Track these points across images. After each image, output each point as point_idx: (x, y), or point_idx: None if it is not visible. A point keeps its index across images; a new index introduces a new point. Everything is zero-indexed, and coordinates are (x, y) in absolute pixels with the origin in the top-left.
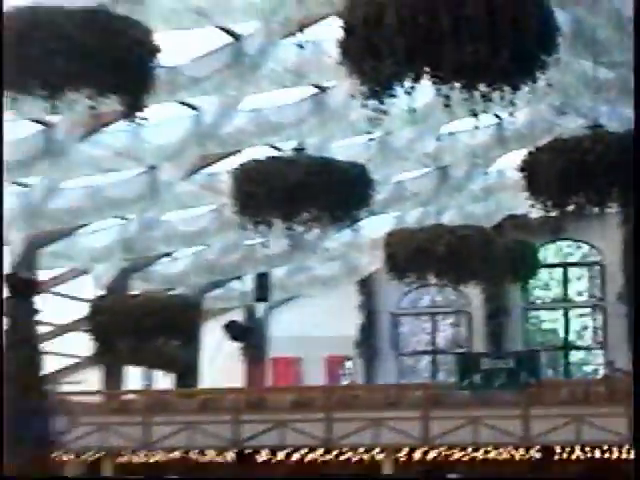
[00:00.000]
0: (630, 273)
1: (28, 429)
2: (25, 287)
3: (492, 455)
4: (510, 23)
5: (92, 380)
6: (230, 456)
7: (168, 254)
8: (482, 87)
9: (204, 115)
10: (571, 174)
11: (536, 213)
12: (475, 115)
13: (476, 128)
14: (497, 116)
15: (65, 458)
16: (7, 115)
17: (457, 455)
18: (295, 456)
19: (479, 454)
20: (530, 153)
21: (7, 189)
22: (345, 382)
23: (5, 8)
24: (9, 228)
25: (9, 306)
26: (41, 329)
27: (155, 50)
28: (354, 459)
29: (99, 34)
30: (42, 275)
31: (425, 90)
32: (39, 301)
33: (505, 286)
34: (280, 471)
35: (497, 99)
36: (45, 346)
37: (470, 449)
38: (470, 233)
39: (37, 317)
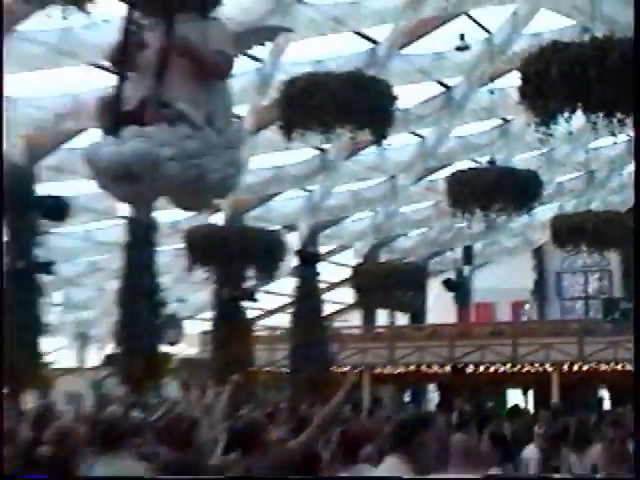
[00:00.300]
0: None
1: (314, 352)
2: (310, 258)
3: (627, 368)
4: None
5: (355, 319)
6: (447, 369)
7: (404, 234)
8: (618, 115)
9: (426, 141)
10: None
11: None
12: (613, 134)
13: (614, 143)
14: (628, 135)
15: (338, 371)
16: (296, 144)
17: (603, 368)
18: (492, 369)
19: (619, 367)
20: None
21: (296, 193)
22: (524, 319)
23: (292, 74)
24: (298, 219)
25: (300, 270)
26: (321, 286)
27: (394, 98)
28: (532, 371)
29: (357, 88)
30: (321, 250)
31: (579, 118)
32: (320, 267)
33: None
34: (482, 379)
35: (629, 123)
36: (324, 297)
37: (612, 363)
38: (610, 216)
39: (318, 278)
